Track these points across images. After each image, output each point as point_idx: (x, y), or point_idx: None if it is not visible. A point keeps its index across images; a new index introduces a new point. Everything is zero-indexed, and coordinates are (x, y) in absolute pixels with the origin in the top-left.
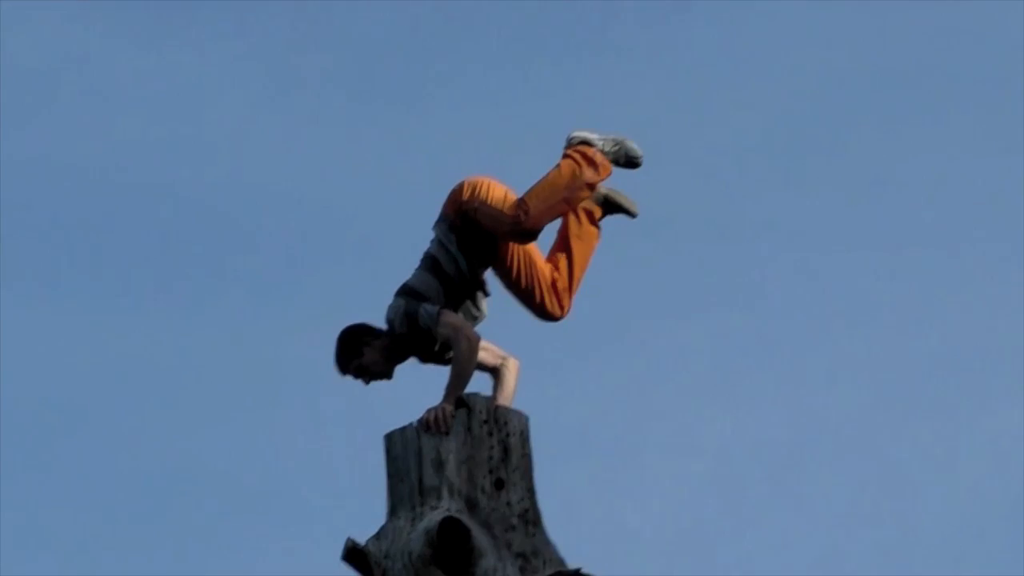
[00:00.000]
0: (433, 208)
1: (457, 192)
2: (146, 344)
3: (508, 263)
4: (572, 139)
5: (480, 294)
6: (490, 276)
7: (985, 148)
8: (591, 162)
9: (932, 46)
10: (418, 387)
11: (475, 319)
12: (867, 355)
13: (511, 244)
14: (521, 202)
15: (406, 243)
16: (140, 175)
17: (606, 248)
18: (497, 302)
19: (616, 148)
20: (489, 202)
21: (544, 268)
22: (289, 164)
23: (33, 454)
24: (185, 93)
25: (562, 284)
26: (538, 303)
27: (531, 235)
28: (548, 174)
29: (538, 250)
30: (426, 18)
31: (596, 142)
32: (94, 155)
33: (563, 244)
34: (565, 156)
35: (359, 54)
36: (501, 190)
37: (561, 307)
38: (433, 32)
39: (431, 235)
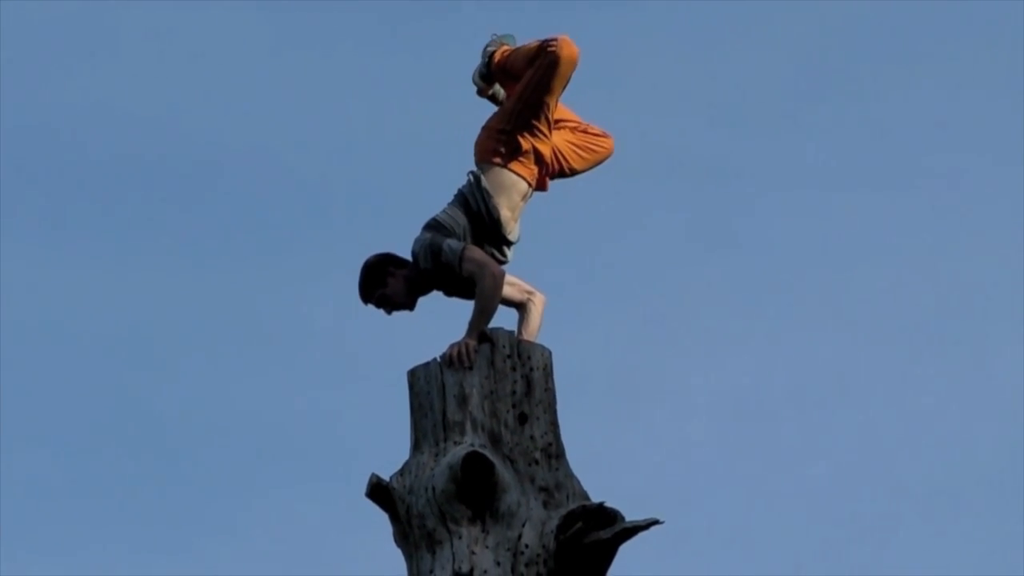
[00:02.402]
0: (449, 159)
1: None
2: (180, 294)
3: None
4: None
5: (504, 243)
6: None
7: (981, 85)
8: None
9: None
10: (441, 322)
11: (500, 264)
12: (873, 299)
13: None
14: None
15: (423, 190)
16: (156, 133)
17: (630, 198)
18: (526, 241)
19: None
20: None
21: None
22: (307, 116)
23: (78, 398)
24: (200, 47)
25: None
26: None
27: (555, 50)
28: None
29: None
30: None
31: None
32: (112, 110)
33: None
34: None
35: (370, 6)
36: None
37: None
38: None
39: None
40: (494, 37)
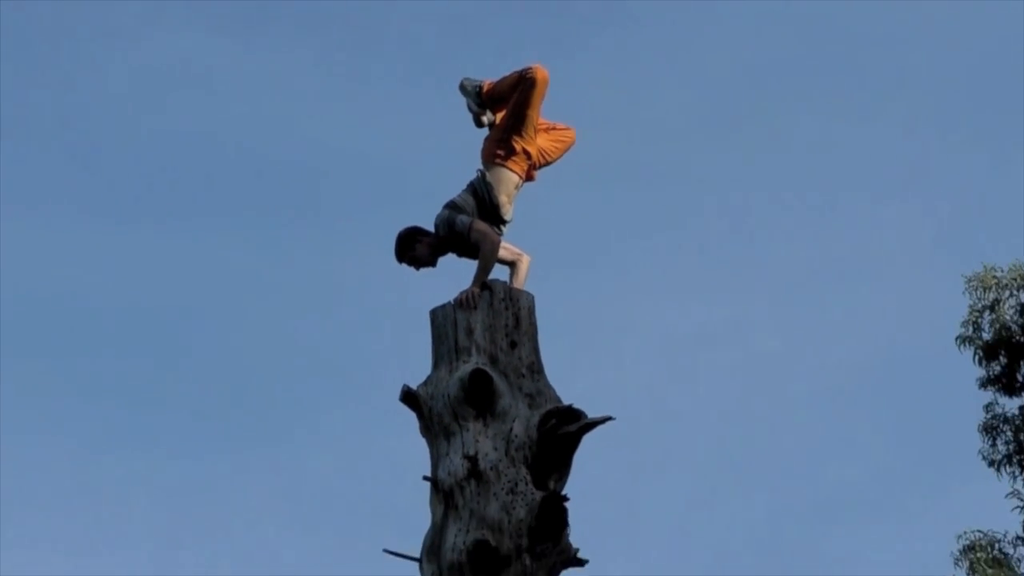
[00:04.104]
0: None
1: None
2: (251, 256)
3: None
4: (469, 87)
5: (501, 222)
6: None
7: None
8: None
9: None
10: (454, 277)
11: (498, 234)
12: (771, 261)
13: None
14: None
15: (445, 182)
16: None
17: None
18: (517, 219)
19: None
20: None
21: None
22: (351, 127)
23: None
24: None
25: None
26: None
27: (532, 76)
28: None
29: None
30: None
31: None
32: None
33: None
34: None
35: (409, 44)
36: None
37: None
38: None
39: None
40: (465, 80)
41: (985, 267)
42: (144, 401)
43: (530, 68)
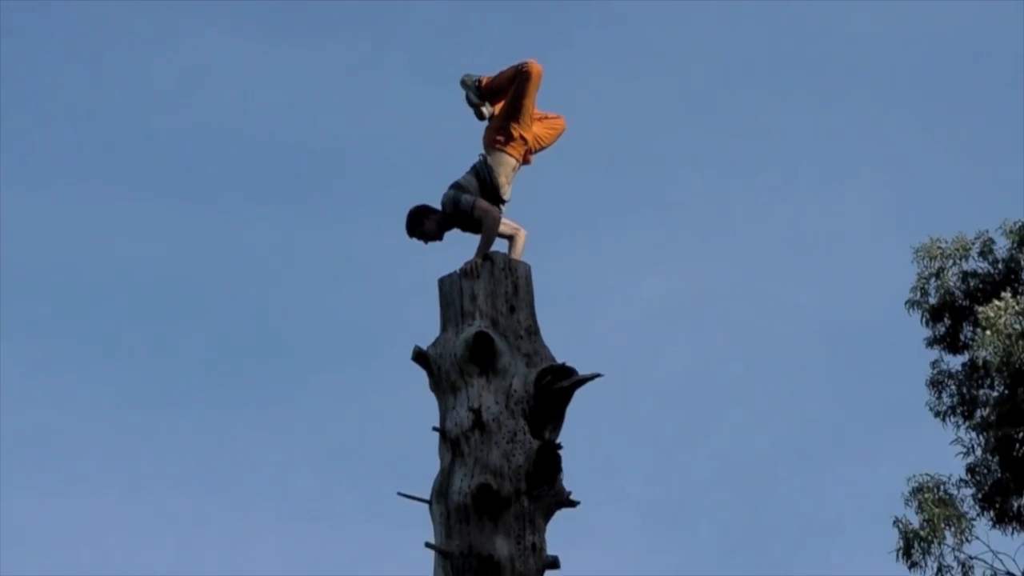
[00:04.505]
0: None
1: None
2: (279, 231)
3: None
4: (468, 82)
5: (501, 201)
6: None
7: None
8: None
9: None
10: (459, 249)
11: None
12: (739, 234)
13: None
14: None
15: (451, 166)
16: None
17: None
18: (515, 198)
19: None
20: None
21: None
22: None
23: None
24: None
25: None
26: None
27: (527, 70)
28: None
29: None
30: None
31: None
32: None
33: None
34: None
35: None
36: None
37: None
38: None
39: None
40: (466, 76)
41: (931, 239)
42: (184, 362)
43: (525, 63)
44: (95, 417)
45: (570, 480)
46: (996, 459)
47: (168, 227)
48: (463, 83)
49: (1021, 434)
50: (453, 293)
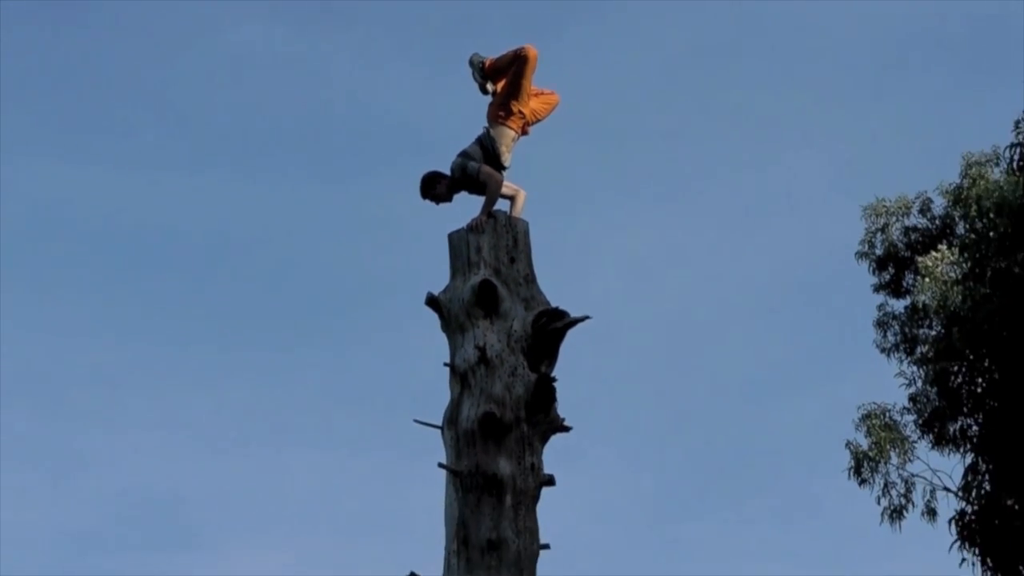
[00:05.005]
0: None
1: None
2: (312, 195)
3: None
4: (475, 62)
5: (502, 168)
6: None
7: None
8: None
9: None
10: (466, 209)
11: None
12: (709, 197)
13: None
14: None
15: (454, 138)
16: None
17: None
18: (514, 165)
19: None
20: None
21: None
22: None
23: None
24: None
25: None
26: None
27: (525, 54)
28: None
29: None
30: None
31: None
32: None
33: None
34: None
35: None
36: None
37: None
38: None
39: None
40: (473, 56)
41: (877, 199)
42: (229, 309)
43: (523, 48)
44: (160, 358)
45: (563, 408)
46: (934, 390)
47: (219, 194)
48: (470, 62)
49: (956, 368)
50: (461, 246)
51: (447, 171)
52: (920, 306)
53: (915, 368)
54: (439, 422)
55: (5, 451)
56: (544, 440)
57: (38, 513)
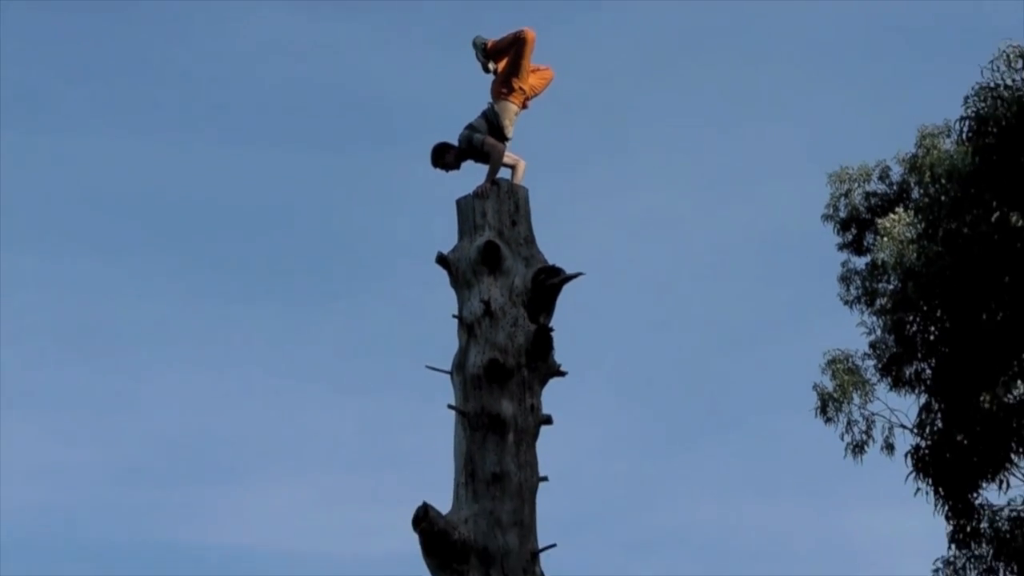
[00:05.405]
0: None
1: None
2: (331, 166)
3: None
4: (479, 44)
5: (504, 139)
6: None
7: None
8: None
9: None
10: (472, 177)
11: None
12: (691, 166)
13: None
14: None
15: (461, 112)
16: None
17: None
18: (516, 138)
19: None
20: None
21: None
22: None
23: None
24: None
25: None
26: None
27: (524, 36)
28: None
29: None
30: None
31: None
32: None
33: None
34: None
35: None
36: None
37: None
38: None
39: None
40: (476, 38)
41: (841, 167)
42: (255, 270)
43: (522, 30)
44: (200, 312)
45: (560, 355)
46: (892, 337)
47: (256, 167)
48: (474, 44)
49: (911, 318)
50: (468, 210)
51: (455, 142)
52: (879, 263)
53: (875, 318)
54: (449, 368)
55: (66, 397)
56: (543, 384)
57: (92, 451)
